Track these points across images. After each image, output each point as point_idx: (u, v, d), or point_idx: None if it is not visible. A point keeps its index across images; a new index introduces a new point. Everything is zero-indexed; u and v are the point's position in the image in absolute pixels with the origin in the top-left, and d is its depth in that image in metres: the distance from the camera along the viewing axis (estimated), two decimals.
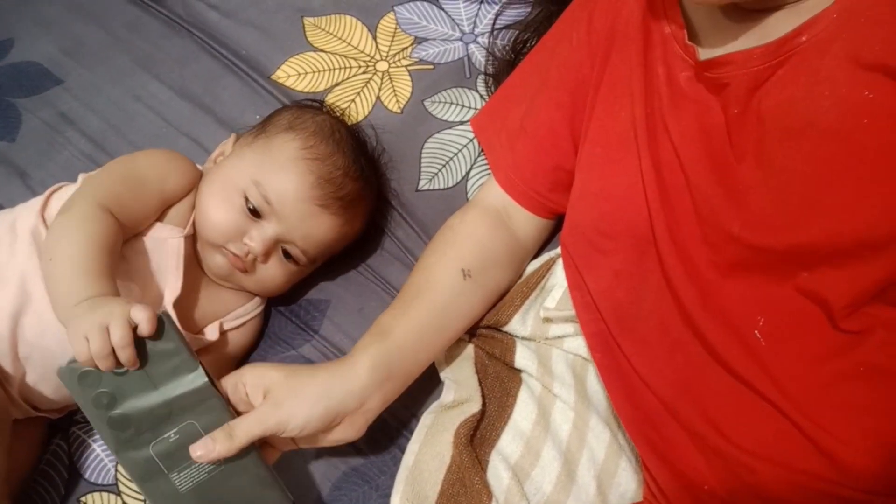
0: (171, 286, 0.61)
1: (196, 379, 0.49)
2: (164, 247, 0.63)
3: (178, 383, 0.49)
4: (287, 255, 0.65)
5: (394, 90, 0.82)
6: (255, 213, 0.63)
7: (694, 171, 0.52)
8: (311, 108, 0.71)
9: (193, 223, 0.65)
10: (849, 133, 0.44)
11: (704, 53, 0.53)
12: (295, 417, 0.52)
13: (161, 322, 0.48)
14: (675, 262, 0.53)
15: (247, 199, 0.63)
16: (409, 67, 0.83)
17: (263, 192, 0.63)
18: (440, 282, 0.63)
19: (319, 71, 0.84)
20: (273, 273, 0.66)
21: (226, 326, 0.66)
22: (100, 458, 0.64)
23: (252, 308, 0.68)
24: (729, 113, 0.50)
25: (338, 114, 0.74)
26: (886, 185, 0.43)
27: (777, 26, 0.49)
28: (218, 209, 0.63)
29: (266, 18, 0.87)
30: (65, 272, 0.53)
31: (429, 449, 0.60)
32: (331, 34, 0.86)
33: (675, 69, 0.55)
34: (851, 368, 0.46)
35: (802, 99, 0.47)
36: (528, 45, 0.77)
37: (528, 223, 0.69)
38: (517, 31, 0.79)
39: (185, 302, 0.63)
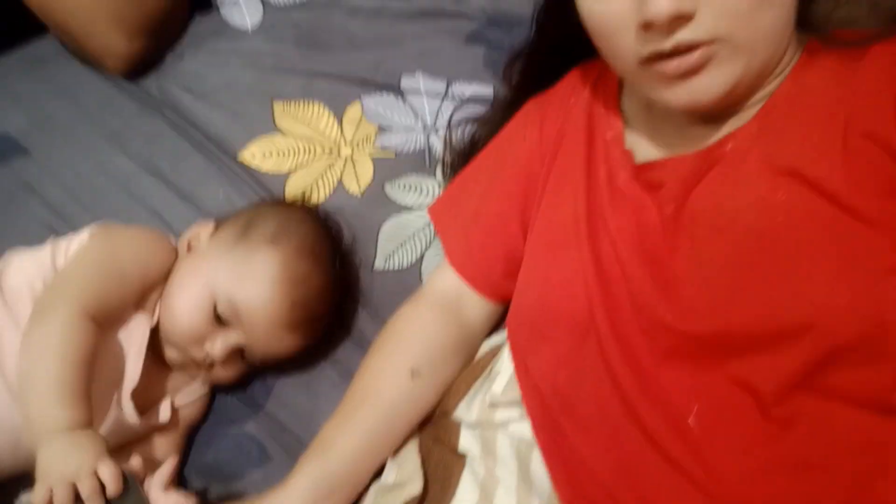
0: (129, 376, 0.61)
1: None
2: (128, 334, 0.62)
3: None
4: (244, 356, 0.66)
5: (356, 174, 0.86)
6: (220, 320, 0.63)
7: (630, 263, 0.56)
8: (298, 214, 0.72)
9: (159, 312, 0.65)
10: (765, 230, 0.49)
11: (641, 157, 0.59)
12: None
13: (126, 480, 0.50)
14: (615, 349, 0.55)
15: (215, 306, 0.63)
16: (372, 154, 0.87)
17: (235, 305, 0.63)
18: (387, 385, 0.64)
19: (284, 153, 0.87)
20: (228, 372, 0.66)
21: (177, 404, 0.65)
22: None
23: (202, 386, 0.68)
24: (663, 211, 0.55)
25: (322, 216, 0.75)
26: (798, 277, 0.47)
27: (705, 136, 0.55)
28: (186, 313, 0.63)
29: (237, 101, 0.90)
30: (41, 395, 0.53)
31: None
32: (298, 119, 0.90)
33: (615, 170, 0.59)
34: (779, 459, 0.47)
35: (727, 200, 0.51)
36: (484, 139, 0.82)
37: (479, 308, 0.71)
38: (475, 126, 0.84)
39: (140, 384, 0.62)
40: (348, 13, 0.98)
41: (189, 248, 0.69)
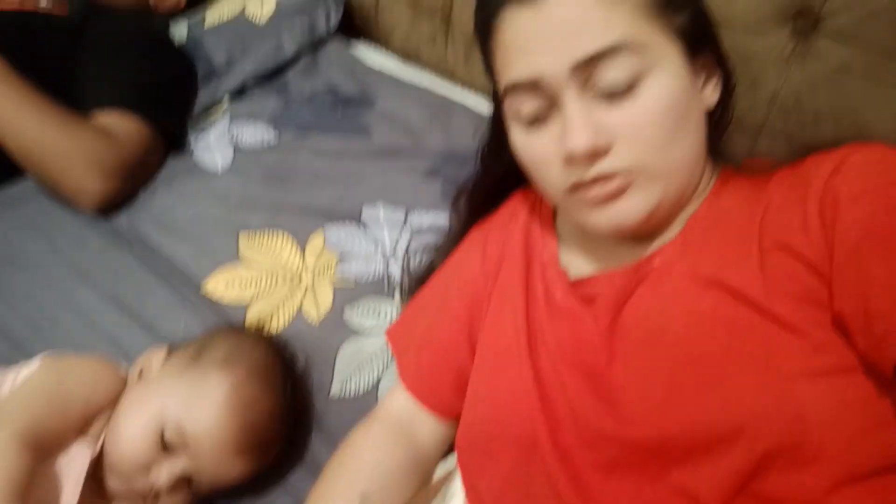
0: (67, 497, 0.59)
1: None
2: (68, 463, 0.61)
3: None
4: (191, 484, 0.65)
5: (316, 302, 0.88)
6: (167, 447, 0.63)
7: (570, 376, 0.57)
8: (250, 339, 0.73)
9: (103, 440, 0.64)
10: (694, 338, 0.51)
11: (575, 274, 0.63)
12: None
13: None
14: (559, 466, 0.55)
15: (163, 431, 0.63)
16: (332, 281, 0.90)
17: (182, 431, 0.63)
18: None
19: (247, 284, 0.90)
20: (174, 501, 0.64)
21: None
22: None
23: None
24: (598, 324, 0.57)
25: (275, 342, 0.76)
26: (726, 382, 0.49)
27: (634, 253, 0.59)
28: (131, 440, 0.63)
29: (204, 234, 0.94)
30: None
31: None
32: (262, 249, 0.93)
33: (552, 288, 0.63)
34: None
35: (657, 311, 0.54)
36: (439, 265, 0.86)
37: (432, 429, 0.70)
38: (431, 253, 0.88)
39: None
40: (314, 153, 1.05)
41: (140, 374, 0.70)
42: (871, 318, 0.45)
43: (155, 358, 0.71)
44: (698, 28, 0.55)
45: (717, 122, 0.59)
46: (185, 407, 0.63)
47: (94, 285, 0.87)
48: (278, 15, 1.22)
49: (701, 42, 0.55)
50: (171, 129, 1.04)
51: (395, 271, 0.92)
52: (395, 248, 0.95)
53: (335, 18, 1.24)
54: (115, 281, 0.88)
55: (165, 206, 0.98)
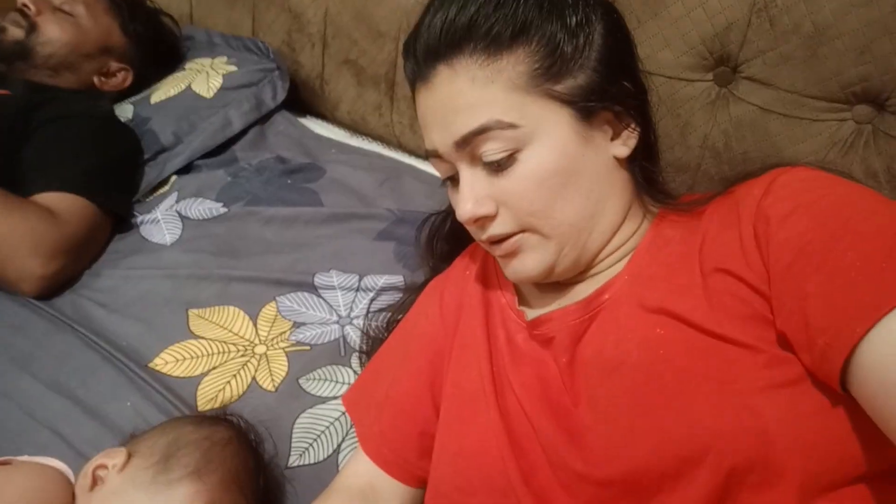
0: None
1: None
2: None
3: None
4: None
5: (270, 371, 0.86)
6: None
7: (538, 419, 0.57)
8: (219, 436, 0.67)
9: None
10: (650, 364, 0.52)
11: (532, 315, 0.63)
12: None
13: None
14: None
15: None
16: (287, 349, 0.88)
17: None
18: None
19: (197, 357, 0.87)
20: None
21: None
22: None
23: None
24: (559, 363, 0.58)
25: (242, 428, 0.72)
26: (686, 405, 0.49)
27: (584, 290, 0.61)
28: None
29: (152, 312, 0.92)
30: None
31: None
32: (213, 323, 0.91)
33: (512, 331, 0.64)
34: None
35: (613, 344, 0.55)
36: (396, 322, 0.85)
37: (396, 496, 0.68)
38: (390, 313, 0.88)
39: None
40: (263, 222, 1.05)
41: (94, 481, 0.64)
42: (811, 334, 0.46)
43: (111, 462, 0.64)
44: (592, 89, 0.56)
45: (644, 166, 0.61)
46: None
47: (35, 373, 0.83)
48: (225, 91, 1.23)
49: (599, 100, 0.56)
50: (116, 209, 1.03)
51: (351, 336, 0.90)
52: (349, 313, 0.94)
53: (281, 93, 1.27)
54: (57, 366, 0.85)
55: (111, 285, 0.95)
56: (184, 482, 0.62)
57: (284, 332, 0.90)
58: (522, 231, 0.58)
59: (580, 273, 0.62)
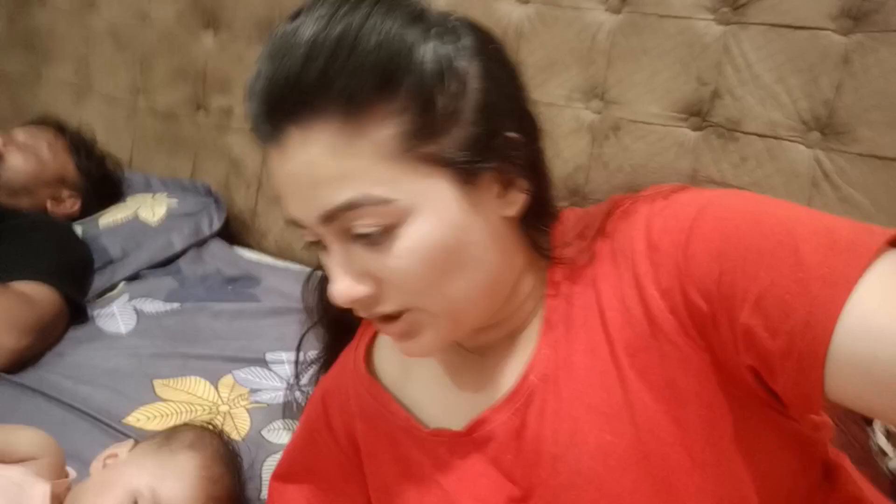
0: None
1: None
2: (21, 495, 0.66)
3: None
4: None
5: (235, 425, 0.98)
6: None
7: None
8: (208, 432, 0.83)
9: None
10: (603, 479, 0.49)
11: (452, 424, 0.56)
12: None
13: None
14: None
15: (136, 502, 0.70)
16: (247, 407, 1.02)
17: (157, 498, 0.71)
18: None
19: (168, 415, 0.98)
20: None
21: None
22: None
23: None
24: (504, 462, 0.53)
25: (226, 439, 0.85)
26: None
27: (504, 375, 0.54)
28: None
29: (119, 382, 1.02)
30: None
31: None
32: (178, 389, 1.03)
33: (434, 451, 0.57)
34: None
35: (559, 435, 0.51)
36: None
37: None
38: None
39: None
40: (212, 316, 1.21)
41: (105, 464, 0.76)
42: (771, 360, 0.42)
43: (121, 450, 0.78)
44: (472, 146, 0.47)
45: (538, 216, 0.53)
46: (158, 478, 0.71)
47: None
48: (168, 218, 1.43)
49: (482, 158, 0.47)
50: (78, 298, 1.15)
51: (300, 396, 1.06)
52: (298, 380, 1.10)
53: (217, 222, 1.48)
54: (28, 421, 0.91)
55: (76, 362, 1.05)
56: (182, 451, 0.75)
57: (243, 395, 1.04)
58: (409, 310, 0.49)
59: (483, 339, 0.55)
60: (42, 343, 1.06)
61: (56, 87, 1.80)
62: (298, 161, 0.46)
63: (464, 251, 0.48)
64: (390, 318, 0.50)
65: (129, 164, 1.64)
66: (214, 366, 1.08)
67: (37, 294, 1.07)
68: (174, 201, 1.47)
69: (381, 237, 0.46)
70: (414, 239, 0.46)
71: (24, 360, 1.03)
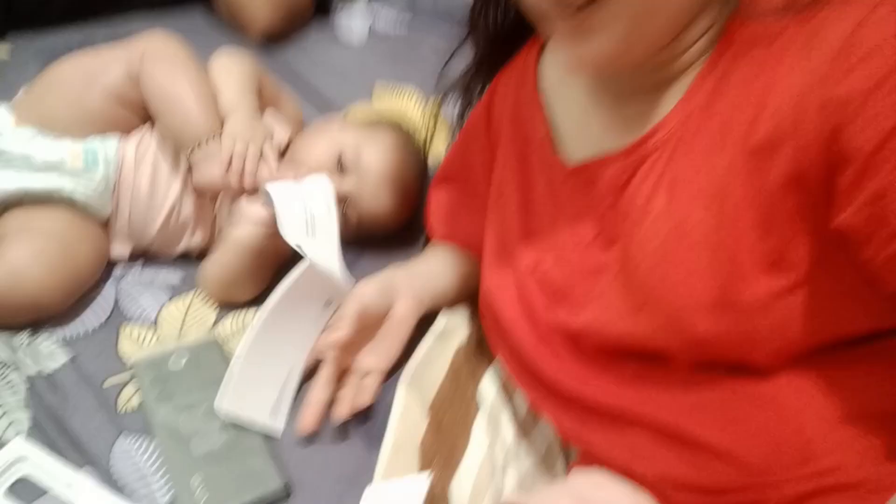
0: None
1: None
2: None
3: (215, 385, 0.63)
4: (343, 214, 0.81)
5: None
6: (342, 168, 0.80)
7: (566, 268, 0.58)
8: (406, 130, 0.92)
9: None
10: (676, 254, 0.49)
11: (572, 158, 0.58)
12: None
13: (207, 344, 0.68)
14: (543, 350, 0.60)
15: (342, 153, 0.80)
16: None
17: (358, 154, 0.81)
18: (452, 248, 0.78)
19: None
20: None
21: None
22: (144, 309, 0.72)
23: None
24: (600, 208, 0.56)
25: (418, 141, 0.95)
26: (687, 305, 0.49)
27: (629, 128, 0.53)
28: (318, 147, 0.81)
29: (343, 79, 1.14)
30: (231, 87, 0.76)
31: (436, 351, 0.71)
32: (392, 100, 1.13)
33: (551, 171, 0.60)
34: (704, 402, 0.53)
35: (646, 204, 0.51)
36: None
37: None
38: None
39: None
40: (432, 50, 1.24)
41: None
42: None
43: (336, 117, 0.93)
44: None
45: None
46: (363, 142, 0.82)
47: None
48: None
49: None
50: None
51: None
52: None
53: None
54: None
55: (315, 59, 1.18)
56: (385, 130, 0.86)
57: (442, 127, 1.09)
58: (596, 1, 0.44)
59: (636, 80, 0.53)
60: (290, 24, 1.19)
61: None
62: None
63: None
64: (573, 6, 0.45)
65: None
66: (427, 86, 1.13)
67: None
68: None
69: None
70: None
71: (272, 39, 1.17)
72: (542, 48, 0.64)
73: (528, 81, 0.63)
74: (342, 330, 0.65)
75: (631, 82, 0.53)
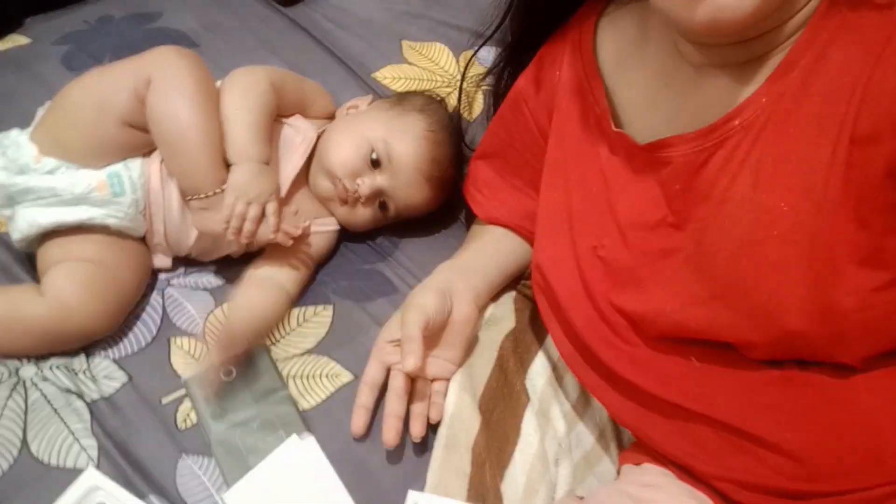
0: (293, 164, 0.76)
1: (281, 391, 0.65)
2: (295, 137, 0.77)
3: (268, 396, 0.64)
4: (381, 206, 0.79)
5: (469, 106, 1.00)
6: (374, 164, 0.77)
7: (635, 243, 0.57)
8: (437, 101, 0.87)
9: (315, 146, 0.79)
10: (757, 244, 0.48)
11: (637, 135, 0.57)
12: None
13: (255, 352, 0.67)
14: (600, 329, 0.59)
15: (373, 150, 0.76)
16: (483, 88, 1.02)
17: (389, 149, 0.76)
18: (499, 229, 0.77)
19: (411, 79, 1.02)
20: (363, 214, 0.79)
21: (312, 229, 0.77)
22: (191, 315, 0.72)
23: (333, 222, 0.80)
24: (670, 189, 0.54)
25: (452, 111, 0.90)
26: (775, 297, 0.48)
27: (707, 111, 0.51)
28: (347, 147, 0.77)
29: (372, 35, 1.07)
30: (240, 130, 0.69)
31: (485, 342, 0.70)
32: (423, 55, 1.05)
33: (615, 149, 0.58)
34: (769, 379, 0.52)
35: (727, 189, 0.50)
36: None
37: None
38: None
39: (292, 190, 0.76)
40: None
41: (348, 111, 0.85)
42: None
43: (362, 102, 0.85)
44: None
45: None
46: (391, 133, 0.77)
47: (281, 57, 1.00)
48: None
49: None
50: None
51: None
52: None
53: None
54: (297, 56, 1.01)
55: (337, 4, 1.11)
56: (413, 112, 0.81)
57: (480, 73, 1.03)
58: None
59: (728, 54, 0.50)
60: None
61: None
62: None
63: None
64: None
65: None
66: (460, 35, 1.07)
67: None
68: None
69: None
70: None
71: None
72: (594, 26, 0.62)
73: (585, 58, 0.62)
74: (413, 355, 0.61)
75: (721, 55, 0.50)
